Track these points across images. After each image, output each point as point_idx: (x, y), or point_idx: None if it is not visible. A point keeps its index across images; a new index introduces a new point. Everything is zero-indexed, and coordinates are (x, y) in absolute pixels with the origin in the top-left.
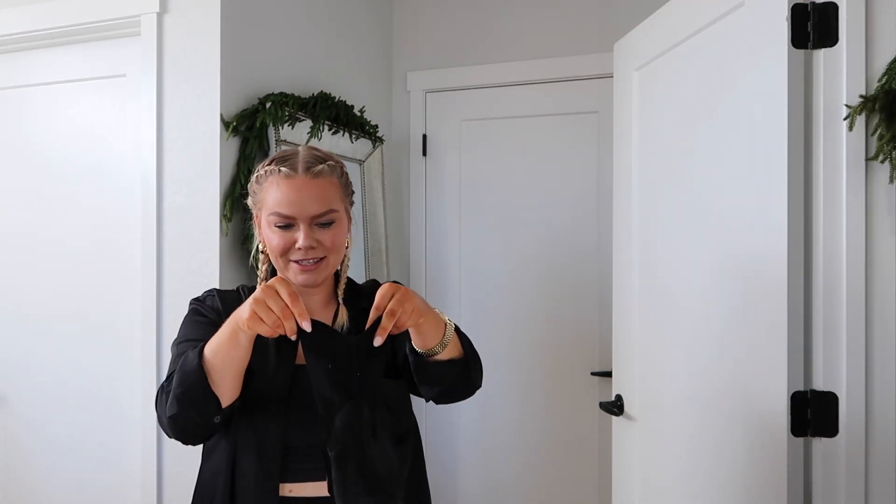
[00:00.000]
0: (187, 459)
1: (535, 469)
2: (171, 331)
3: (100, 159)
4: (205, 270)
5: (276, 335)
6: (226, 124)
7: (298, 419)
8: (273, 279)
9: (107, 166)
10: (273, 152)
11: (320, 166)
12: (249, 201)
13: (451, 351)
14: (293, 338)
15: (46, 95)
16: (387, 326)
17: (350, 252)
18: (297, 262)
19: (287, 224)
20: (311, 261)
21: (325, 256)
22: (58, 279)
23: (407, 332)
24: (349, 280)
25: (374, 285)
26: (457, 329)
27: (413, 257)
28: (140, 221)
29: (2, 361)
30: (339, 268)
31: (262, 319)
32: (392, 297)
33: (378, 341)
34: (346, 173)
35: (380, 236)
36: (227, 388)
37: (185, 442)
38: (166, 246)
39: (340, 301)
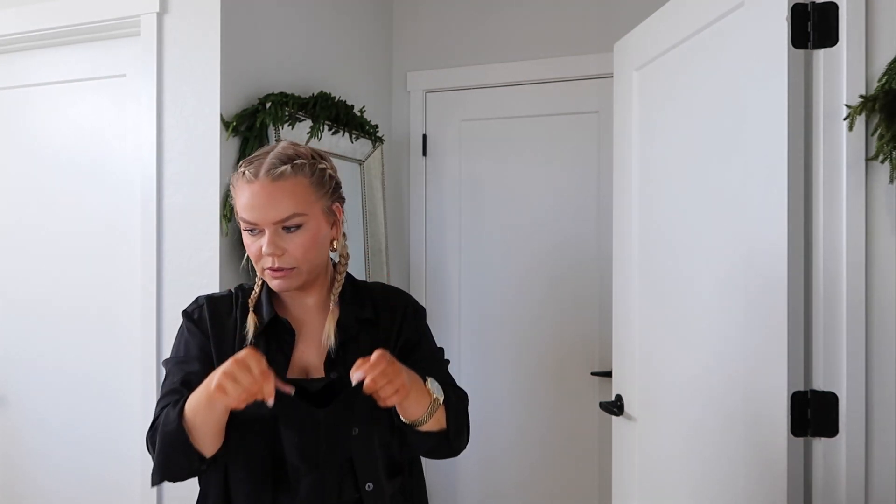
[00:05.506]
0: None
1: (534, 468)
2: (171, 329)
3: (100, 159)
4: (205, 270)
5: (241, 406)
6: (226, 124)
7: (289, 436)
8: (245, 352)
9: (107, 166)
10: None
11: (282, 168)
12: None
13: (432, 424)
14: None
15: (47, 95)
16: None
17: (340, 248)
18: (268, 268)
19: (253, 229)
20: (282, 269)
21: (294, 267)
22: (59, 278)
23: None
24: (352, 278)
25: (382, 289)
26: (447, 399)
27: (413, 257)
28: (140, 221)
29: (3, 358)
30: (333, 269)
31: (227, 392)
32: (380, 368)
33: (357, 377)
34: (323, 169)
35: (380, 236)
36: (208, 443)
37: (175, 482)
38: (166, 246)
39: (332, 305)
